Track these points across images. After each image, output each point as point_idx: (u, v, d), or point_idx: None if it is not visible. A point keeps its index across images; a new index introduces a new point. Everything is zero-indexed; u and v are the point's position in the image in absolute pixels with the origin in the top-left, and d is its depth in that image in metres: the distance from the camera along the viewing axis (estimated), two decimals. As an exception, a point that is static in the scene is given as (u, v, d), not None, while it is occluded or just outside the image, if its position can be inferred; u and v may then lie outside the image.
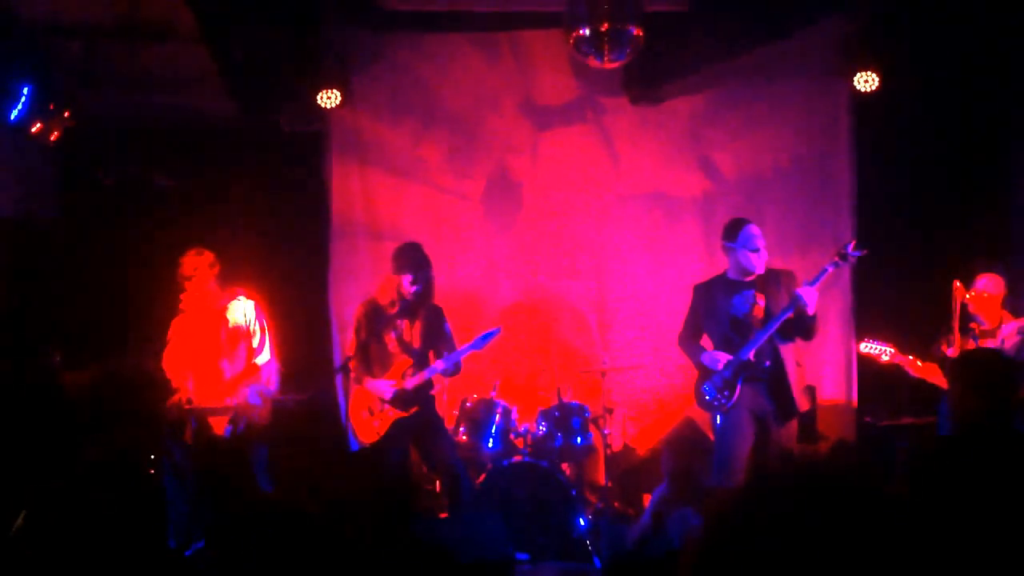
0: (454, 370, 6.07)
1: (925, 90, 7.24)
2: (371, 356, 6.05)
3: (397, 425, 5.96)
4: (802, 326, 5.69)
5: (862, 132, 7.52)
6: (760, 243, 5.73)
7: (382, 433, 5.96)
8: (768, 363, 5.67)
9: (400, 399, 5.96)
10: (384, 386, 5.96)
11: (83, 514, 3.45)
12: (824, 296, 6.81)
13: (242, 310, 6.16)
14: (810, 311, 5.60)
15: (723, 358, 5.69)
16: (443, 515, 6.49)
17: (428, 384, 6.09)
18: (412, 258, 6.03)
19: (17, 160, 7.43)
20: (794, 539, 1.35)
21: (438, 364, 5.95)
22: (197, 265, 6.05)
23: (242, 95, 7.32)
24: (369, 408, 6.01)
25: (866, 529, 1.36)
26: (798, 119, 7.64)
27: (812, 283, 5.63)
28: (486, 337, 6.02)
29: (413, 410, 6.00)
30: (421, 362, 6.03)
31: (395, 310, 5.98)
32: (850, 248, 5.74)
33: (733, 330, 5.75)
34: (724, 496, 1.47)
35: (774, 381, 5.71)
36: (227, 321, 6.11)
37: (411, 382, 5.95)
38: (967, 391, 3.55)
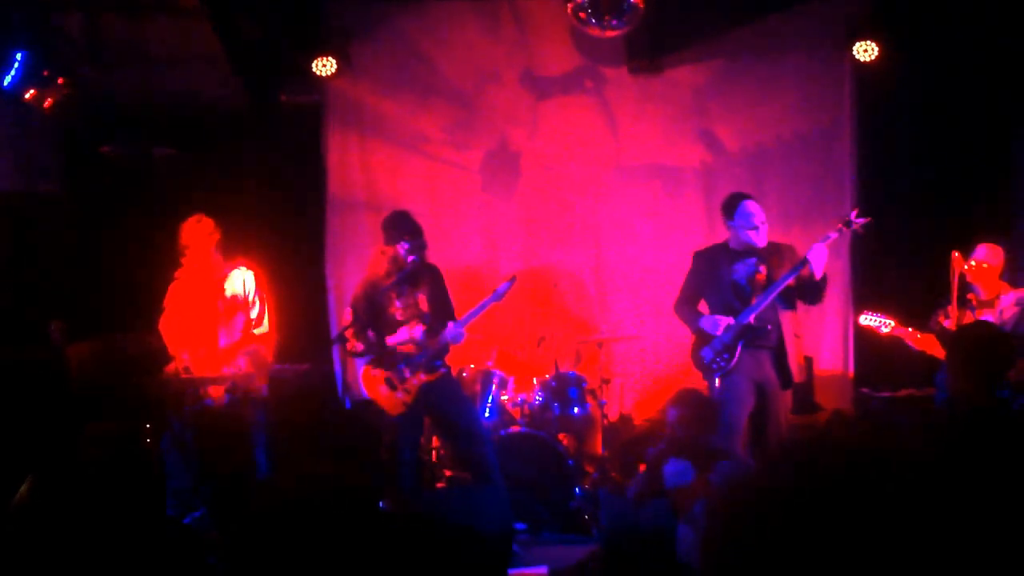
0: (462, 335, 5.87)
1: (928, 63, 7.20)
2: (383, 334, 5.95)
3: (425, 390, 5.85)
4: (810, 290, 5.68)
5: (864, 105, 7.46)
6: (758, 220, 5.69)
7: (409, 402, 5.84)
8: (770, 327, 5.65)
9: (425, 363, 5.87)
10: (405, 331, 5.86)
11: (83, 485, 3.49)
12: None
13: (241, 279, 6.17)
14: (818, 274, 5.59)
15: (723, 321, 5.67)
16: (440, 485, 6.53)
17: (446, 346, 5.93)
18: (404, 226, 5.93)
19: (19, 134, 7.44)
20: (813, 518, 1.36)
21: (452, 328, 5.79)
22: (196, 232, 6.07)
23: (243, 66, 7.33)
24: (389, 381, 5.88)
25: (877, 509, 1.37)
26: (800, 92, 7.58)
27: (823, 241, 5.61)
28: (504, 288, 5.90)
29: (440, 373, 5.94)
30: (435, 324, 5.89)
31: (392, 280, 5.86)
32: (853, 215, 5.73)
33: (734, 295, 5.73)
34: (740, 477, 1.48)
35: (776, 349, 5.71)
36: (225, 290, 6.13)
37: (429, 345, 5.85)
38: (960, 366, 3.54)
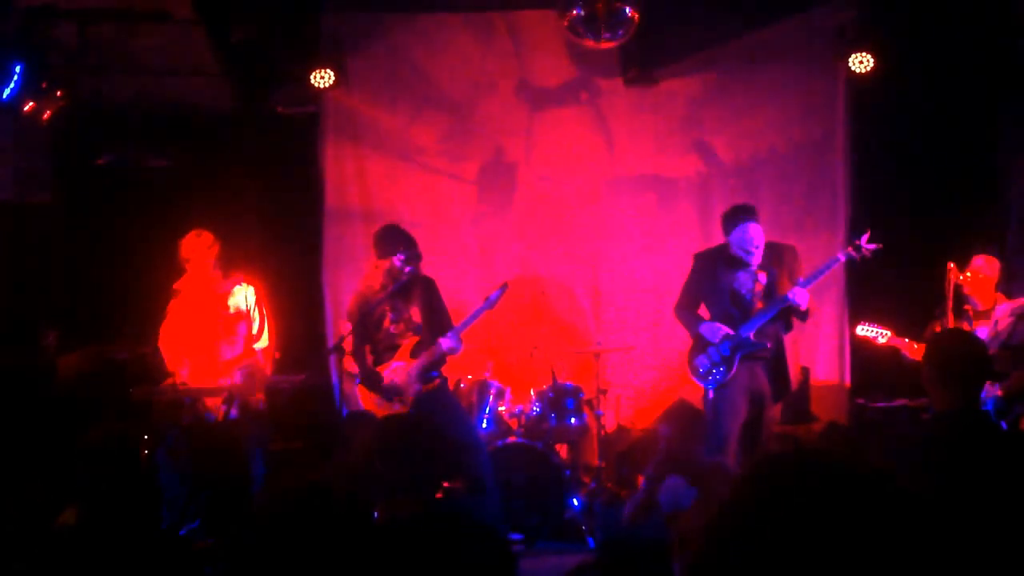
0: (458, 346, 5.84)
1: (922, 74, 7.23)
2: (378, 348, 5.95)
3: (420, 400, 5.83)
4: (796, 316, 5.73)
5: (859, 115, 7.49)
6: (752, 245, 5.64)
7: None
8: (770, 344, 5.66)
9: (421, 375, 5.84)
10: (400, 369, 5.86)
11: (78, 497, 3.47)
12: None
13: (243, 295, 6.19)
14: (802, 308, 5.63)
15: (722, 331, 5.65)
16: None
17: (443, 356, 5.91)
18: (397, 237, 5.91)
19: (12, 143, 7.42)
20: (797, 523, 1.36)
21: (447, 339, 5.76)
22: (196, 246, 6.09)
23: (238, 76, 7.33)
24: (385, 393, 5.88)
25: (867, 515, 1.36)
26: (795, 102, 7.60)
27: (806, 283, 5.64)
28: (495, 296, 5.85)
29: (436, 383, 5.92)
30: (428, 336, 5.87)
31: (387, 293, 5.84)
32: (863, 240, 5.72)
33: (734, 304, 5.72)
34: (726, 482, 1.49)
35: (774, 361, 5.71)
36: (228, 306, 6.14)
37: (424, 357, 5.83)
38: (934, 375, 3.51)
